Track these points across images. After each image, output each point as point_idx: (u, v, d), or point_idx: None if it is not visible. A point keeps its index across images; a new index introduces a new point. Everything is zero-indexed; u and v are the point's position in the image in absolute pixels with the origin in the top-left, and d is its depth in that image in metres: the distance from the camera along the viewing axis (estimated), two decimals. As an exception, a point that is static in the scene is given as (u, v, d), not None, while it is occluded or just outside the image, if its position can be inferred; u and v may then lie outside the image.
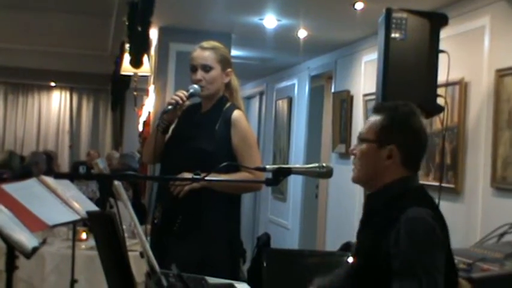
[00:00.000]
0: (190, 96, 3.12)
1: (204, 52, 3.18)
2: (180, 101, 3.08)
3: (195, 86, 3.14)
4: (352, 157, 2.30)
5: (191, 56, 3.21)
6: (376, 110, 2.27)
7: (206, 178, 2.39)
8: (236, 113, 3.17)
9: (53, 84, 13.54)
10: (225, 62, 3.21)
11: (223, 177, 2.91)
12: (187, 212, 3.06)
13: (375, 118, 2.23)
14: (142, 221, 4.98)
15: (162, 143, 3.21)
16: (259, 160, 3.23)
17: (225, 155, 3.05)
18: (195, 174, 2.39)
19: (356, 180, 2.28)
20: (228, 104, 3.20)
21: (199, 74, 3.15)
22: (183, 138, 3.15)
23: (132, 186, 6.02)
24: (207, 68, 3.16)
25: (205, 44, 3.22)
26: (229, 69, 3.23)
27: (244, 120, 3.20)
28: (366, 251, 2.14)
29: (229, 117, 3.15)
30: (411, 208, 2.07)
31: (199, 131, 3.14)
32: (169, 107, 3.09)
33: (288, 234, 8.08)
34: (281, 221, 8.43)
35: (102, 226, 1.77)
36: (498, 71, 3.99)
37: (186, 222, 3.07)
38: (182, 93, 3.10)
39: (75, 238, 3.82)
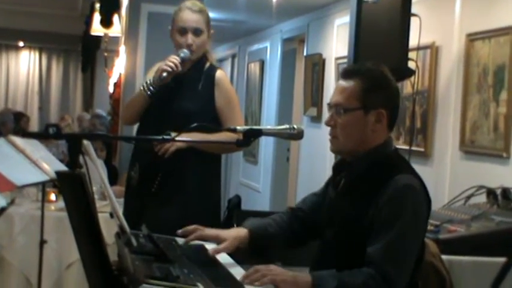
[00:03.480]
0: (182, 61, 3.04)
1: (194, 15, 3.11)
2: (175, 68, 3.01)
3: (185, 50, 3.06)
4: (326, 126, 2.19)
5: (178, 17, 3.12)
6: (347, 75, 2.15)
7: (184, 138, 2.37)
8: (219, 73, 3.16)
9: (21, 44, 13.32)
10: (210, 24, 3.19)
11: (199, 137, 2.90)
12: (168, 172, 3.04)
13: (350, 83, 2.11)
14: (113, 183, 4.95)
15: (145, 106, 3.15)
16: (242, 120, 3.25)
17: (207, 115, 3.06)
18: (166, 135, 2.38)
19: (338, 150, 2.19)
20: (208, 64, 3.17)
21: (190, 38, 3.09)
22: (164, 99, 3.08)
23: (106, 148, 5.99)
24: (197, 32, 3.10)
25: (192, 5, 3.14)
26: (212, 31, 3.20)
27: (227, 80, 3.21)
28: (348, 218, 2.08)
29: (212, 77, 3.13)
30: (400, 175, 2.04)
31: (180, 91, 3.09)
32: (164, 74, 3.00)
33: (259, 197, 8.12)
34: (252, 184, 8.47)
35: (72, 186, 1.76)
36: (469, 35, 4.00)
37: (165, 183, 3.05)
38: (175, 59, 3.02)
39: (44, 199, 3.79)
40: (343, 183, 2.18)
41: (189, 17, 3.11)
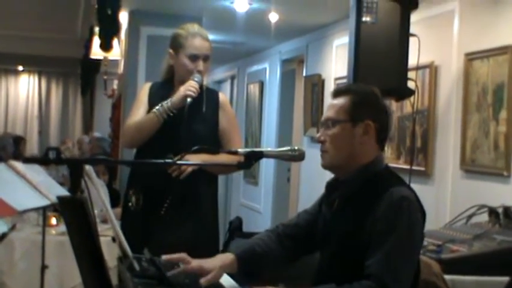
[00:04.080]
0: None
1: (205, 43, 3.16)
2: (197, 93, 3.06)
3: (198, 75, 3.11)
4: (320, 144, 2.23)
5: (191, 43, 3.13)
6: (339, 92, 2.23)
7: (192, 161, 2.37)
8: (222, 96, 3.26)
9: (20, 68, 13.35)
10: None
11: (204, 158, 2.91)
12: (179, 194, 3.05)
13: (340, 100, 2.18)
14: (115, 205, 4.93)
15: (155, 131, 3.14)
16: (242, 143, 3.34)
17: (214, 137, 3.12)
18: (167, 158, 2.38)
19: (328, 165, 2.21)
20: (204, 87, 3.19)
21: (202, 65, 3.13)
22: (172, 122, 3.08)
23: (108, 171, 5.98)
24: (206, 59, 3.16)
25: (203, 32, 3.19)
26: None
27: (229, 103, 3.30)
28: (346, 236, 2.09)
29: (216, 100, 3.19)
30: (395, 187, 2.07)
31: (184, 113, 3.06)
32: (189, 99, 3.03)
33: (260, 218, 8.10)
34: (253, 205, 8.45)
35: (73, 211, 1.75)
36: (467, 54, 4.02)
37: (176, 205, 3.05)
38: (196, 84, 3.07)
39: (45, 223, 3.78)
40: (337, 203, 2.20)
41: (202, 44, 3.16)
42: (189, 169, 2.98)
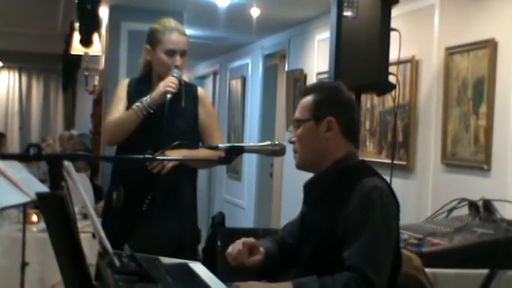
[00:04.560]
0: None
1: (183, 37, 3.15)
2: (176, 88, 3.05)
3: (177, 70, 3.09)
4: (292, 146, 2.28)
5: (168, 38, 3.11)
6: (304, 93, 2.29)
7: (174, 156, 2.37)
8: (201, 90, 3.24)
9: (0, 64, 13.24)
10: None
11: (185, 154, 2.91)
12: (161, 190, 3.04)
13: (305, 99, 2.24)
14: (97, 201, 4.89)
15: (136, 126, 3.13)
16: (222, 137, 3.31)
17: (193, 131, 3.11)
18: (147, 153, 2.37)
19: (300, 165, 2.26)
20: (183, 82, 3.18)
21: (179, 60, 3.12)
22: (152, 118, 3.06)
23: (90, 167, 5.96)
24: (183, 54, 3.14)
25: (180, 27, 3.18)
26: None
27: (209, 97, 3.30)
28: (323, 230, 2.12)
29: (194, 95, 3.18)
30: (366, 178, 2.10)
31: (165, 109, 3.05)
32: (169, 95, 3.02)
33: (243, 214, 8.10)
34: (236, 201, 8.45)
35: (52, 207, 1.74)
36: (447, 49, 4.04)
37: (158, 200, 3.05)
38: (175, 80, 3.05)
39: (25, 221, 3.75)
40: (313, 199, 2.24)
41: (180, 39, 3.14)
42: (169, 165, 2.97)
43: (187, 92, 3.16)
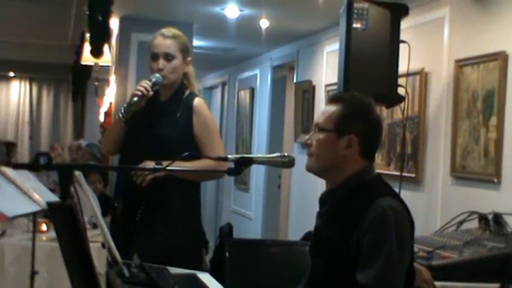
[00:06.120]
0: (153, 85, 3.07)
1: (166, 40, 3.13)
2: (145, 92, 3.03)
3: (157, 75, 3.08)
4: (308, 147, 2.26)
5: (152, 43, 3.16)
6: (333, 100, 2.24)
7: (169, 167, 2.38)
8: (197, 101, 3.17)
9: (12, 74, 13.32)
10: (186, 50, 3.19)
11: (186, 165, 2.90)
12: (150, 201, 3.04)
13: (332, 108, 2.19)
14: (106, 212, 4.91)
15: (123, 134, 3.17)
16: (221, 147, 3.24)
17: (186, 143, 3.06)
18: (157, 164, 2.38)
19: (311, 169, 2.23)
20: (188, 92, 3.19)
21: (161, 63, 3.10)
22: (142, 127, 3.11)
23: (103, 178, 5.96)
24: (169, 57, 3.11)
25: (166, 31, 3.16)
26: (189, 58, 3.22)
27: (205, 107, 3.21)
28: (334, 246, 2.11)
29: (190, 105, 3.14)
30: (381, 198, 2.08)
31: (160, 118, 3.11)
32: (135, 98, 3.03)
33: (250, 225, 8.09)
34: (244, 212, 8.44)
35: (63, 217, 1.75)
36: (457, 61, 4.04)
37: (148, 212, 3.05)
38: (146, 84, 3.05)
39: (35, 229, 3.76)
40: (326, 211, 2.22)
41: (161, 42, 3.14)
42: (149, 176, 2.97)
43: (185, 102, 3.16)
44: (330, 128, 2.16)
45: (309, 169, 2.24)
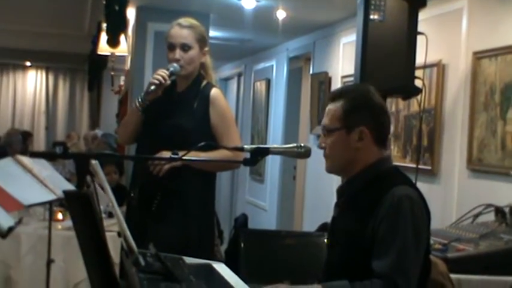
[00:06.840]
0: (171, 74, 3.07)
1: (183, 30, 3.13)
2: (163, 81, 3.04)
3: (175, 64, 3.08)
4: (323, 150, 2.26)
5: (168, 33, 3.15)
6: (333, 98, 2.25)
7: (185, 157, 2.38)
8: (214, 91, 3.17)
9: (28, 63, 13.38)
10: (203, 41, 3.18)
11: (203, 155, 2.91)
12: (166, 191, 3.05)
13: (334, 106, 2.21)
14: (122, 202, 4.95)
15: (140, 123, 3.18)
16: (238, 138, 3.24)
17: (203, 133, 3.05)
18: (173, 153, 2.38)
19: (331, 170, 2.27)
20: (205, 82, 3.19)
21: (178, 53, 3.10)
22: (160, 117, 3.11)
23: (118, 169, 5.98)
24: (185, 48, 3.11)
25: (183, 21, 3.16)
26: (206, 49, 3.21)
27: (222, 98, 3.21)
28: (351, 235, 2.12)
29: (207, 96, 3.14)
30: (397, 187, 2.08)
31: (176, 109, 3.11)
32: (152, 87, 3.04)
33: (265, 216, 8.10)
34: (259, 202, 8.45)
35: (79, 206, 1.76)
36: (475, 53, 4.01)
37: (164, 201, 3.06)
38: (164, 73, 3.05)
39: (51, 218, 3.79)
40: (343, 201, 2.24)
41: (178, 32, 3.13)
42: (166, 166, 2.98)
43: (202, 92, 3.15)
44: (337, 127, 2.18)
45: (329, 171, 2.28)
